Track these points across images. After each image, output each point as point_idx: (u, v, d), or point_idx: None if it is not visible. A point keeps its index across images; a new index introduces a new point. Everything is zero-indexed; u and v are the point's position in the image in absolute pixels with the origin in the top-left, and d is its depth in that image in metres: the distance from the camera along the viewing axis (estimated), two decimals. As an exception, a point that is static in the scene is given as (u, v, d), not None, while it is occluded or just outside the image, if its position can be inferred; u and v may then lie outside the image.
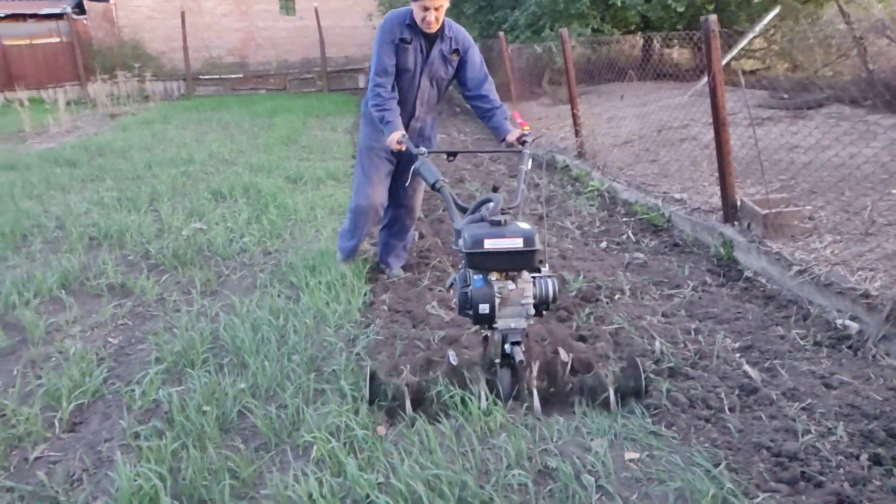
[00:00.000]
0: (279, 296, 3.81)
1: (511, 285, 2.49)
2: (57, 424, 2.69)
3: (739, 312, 3.39)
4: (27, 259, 4.68)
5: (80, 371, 3.00)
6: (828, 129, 6.10)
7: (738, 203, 4.25)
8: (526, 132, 3.24)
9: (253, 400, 2.72)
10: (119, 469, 2.20)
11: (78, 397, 2.83)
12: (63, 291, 4.05)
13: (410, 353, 3.05)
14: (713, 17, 4.01)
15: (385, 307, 3.62)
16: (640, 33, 11.15)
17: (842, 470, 2.14)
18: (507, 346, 2.48)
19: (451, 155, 3.44)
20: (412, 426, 2.46)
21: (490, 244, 2.40)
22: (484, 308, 2.45)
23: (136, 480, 2.15)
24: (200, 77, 19.41)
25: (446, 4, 3.30)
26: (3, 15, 17.99)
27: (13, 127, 12.21)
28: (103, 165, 8.13)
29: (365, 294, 3.75)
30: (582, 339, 3.15)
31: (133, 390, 2.85)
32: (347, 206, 4.07)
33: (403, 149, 3.23)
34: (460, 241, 2.52)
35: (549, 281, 2.56)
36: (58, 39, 17.79)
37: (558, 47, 7.60)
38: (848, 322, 3.15)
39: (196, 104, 15.76)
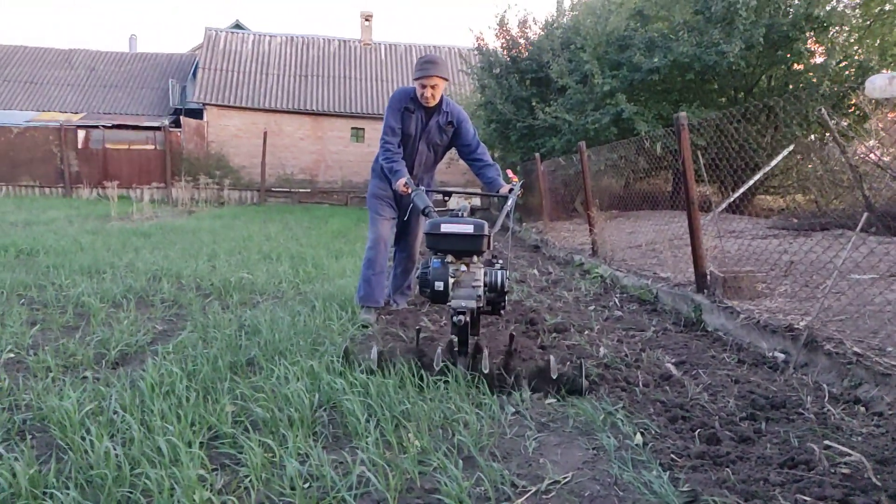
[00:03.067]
0: (299, 307, 4.50)
1: (463, 268, 3.08)
2: (104, 363, 3.37)
3: (686, 346, 3.88)
4: (99, 282, 5.55)
5: (129, 332, 3.71)
6: (824, 243, 6.64)
7: (708, 274, 4.80)
8: (513, 184, 3.97)
9: (260, 352, 3.36)
10: (148, 365, 2.85)
11: (123, 348, 3.52)
12: (125, 299, 4.85)
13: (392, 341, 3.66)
14: (683, 114, 4.81)
15: (384, 318, 4.26)
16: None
17: (717, 416, 2.61)
18: (454, 318, 2.96)
19: (447, 195, 4.19)
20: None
21: (445, 228, 3.02)
22: (439, 285, 2.99)
23: (160, 372, 2.80)
24: (273, 189, 21.32)
25: (442, 84, 4.12)
26: (109, 125, 20.64)
27: (101, 213, 13.78)
28: (173, 239, 9.24)
29: (371, 313, 4.39)
30: (542, 348, 3.69)
31: (168, 348, 3.53)
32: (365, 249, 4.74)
33: (409, 191, 3.96)
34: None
35: (500, 272, 3.16)
36: (152, 147, 20.13)
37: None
38: (777, 353, 3.61)
39: (265, 209, 17.33)
